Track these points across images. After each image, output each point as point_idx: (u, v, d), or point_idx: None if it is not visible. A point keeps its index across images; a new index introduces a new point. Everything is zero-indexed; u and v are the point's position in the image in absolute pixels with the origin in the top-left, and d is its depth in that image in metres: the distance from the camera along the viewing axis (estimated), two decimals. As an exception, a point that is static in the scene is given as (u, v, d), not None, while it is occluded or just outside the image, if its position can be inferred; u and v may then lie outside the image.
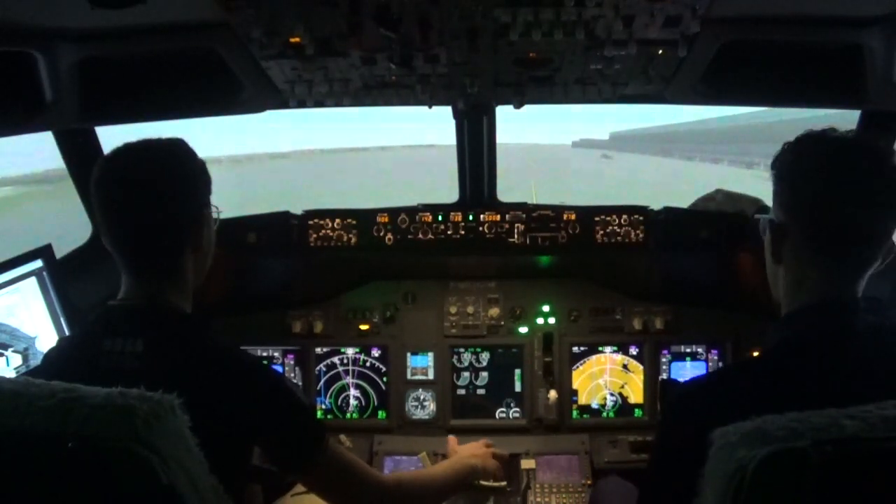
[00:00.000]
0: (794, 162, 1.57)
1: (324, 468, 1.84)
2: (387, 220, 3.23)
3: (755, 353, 3.07)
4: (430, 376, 3.33)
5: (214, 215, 1.91)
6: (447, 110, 3.20)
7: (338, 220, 3.25)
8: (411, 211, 3.24)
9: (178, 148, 1.82)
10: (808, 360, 1.46)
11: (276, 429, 1.78)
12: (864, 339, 1.48)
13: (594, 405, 3.31)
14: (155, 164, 1.77)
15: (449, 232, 3.23)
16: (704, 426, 1.34)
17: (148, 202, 1.73)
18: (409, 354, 3.35)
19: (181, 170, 1.80)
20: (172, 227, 1.78)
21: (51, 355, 1.81)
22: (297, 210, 3.35)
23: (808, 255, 1.54)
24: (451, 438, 2.76)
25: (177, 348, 1.71)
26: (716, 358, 3.30)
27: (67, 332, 2.62)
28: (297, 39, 2.26)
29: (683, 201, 3.56)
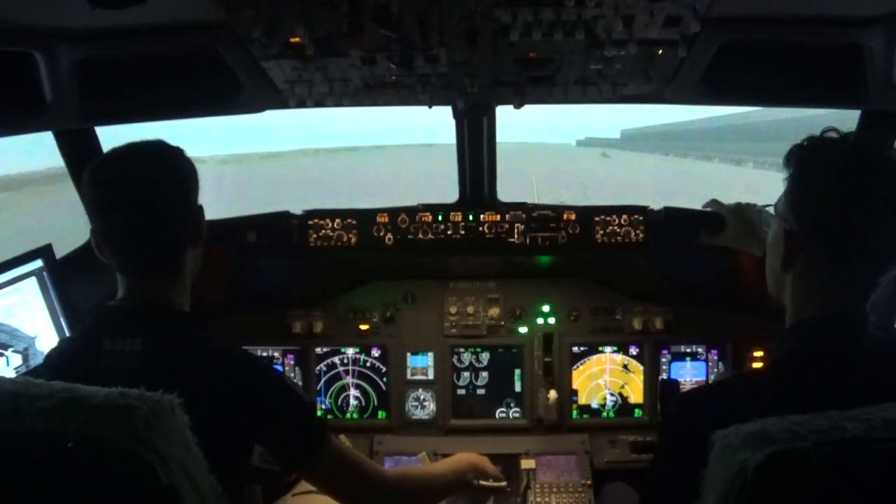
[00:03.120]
0: (806, 172, 1.56)
1: (327, 464, 1.85)
2: (387, 220, 3.23)
3: (757, 353, 3.14)
4: (430, 376, 3.32)
5: None
6: (447, 110, 3.20)
7: (338, 220, 3.24)
8: (411, 211, 3.24)
9: (165, 147, 1.85)
10: (814, 373, 1.46)
11: (277, 426, 1.79)
12: (872, 354, 1.48)
13: (594, 405, 3.30)
14: (151, 163, 1.79)
15: (449, 232, 3.22)
16: (707, 431, 1.34)
17: (150, 202, 1.74)
18: (409, 354, 3.34)
19: (177, 167, 1.84)
20: (174, 224, 1.80)
21: (51, 356, 1.82)
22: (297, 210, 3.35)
23: (820, 266, 1.53)
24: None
25: (176, 347, 1.72)
26: (716, 358, 3.29)
27: (67, 333, 2.62)
28: (297, 39, 2.26)
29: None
